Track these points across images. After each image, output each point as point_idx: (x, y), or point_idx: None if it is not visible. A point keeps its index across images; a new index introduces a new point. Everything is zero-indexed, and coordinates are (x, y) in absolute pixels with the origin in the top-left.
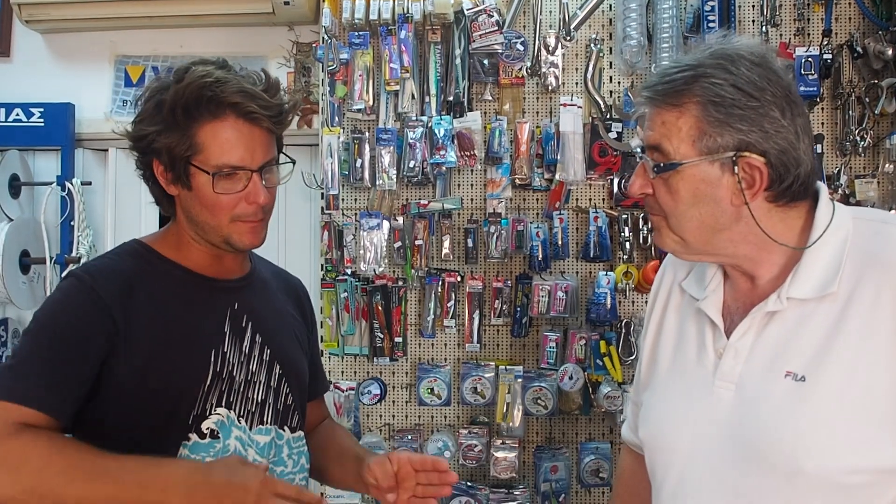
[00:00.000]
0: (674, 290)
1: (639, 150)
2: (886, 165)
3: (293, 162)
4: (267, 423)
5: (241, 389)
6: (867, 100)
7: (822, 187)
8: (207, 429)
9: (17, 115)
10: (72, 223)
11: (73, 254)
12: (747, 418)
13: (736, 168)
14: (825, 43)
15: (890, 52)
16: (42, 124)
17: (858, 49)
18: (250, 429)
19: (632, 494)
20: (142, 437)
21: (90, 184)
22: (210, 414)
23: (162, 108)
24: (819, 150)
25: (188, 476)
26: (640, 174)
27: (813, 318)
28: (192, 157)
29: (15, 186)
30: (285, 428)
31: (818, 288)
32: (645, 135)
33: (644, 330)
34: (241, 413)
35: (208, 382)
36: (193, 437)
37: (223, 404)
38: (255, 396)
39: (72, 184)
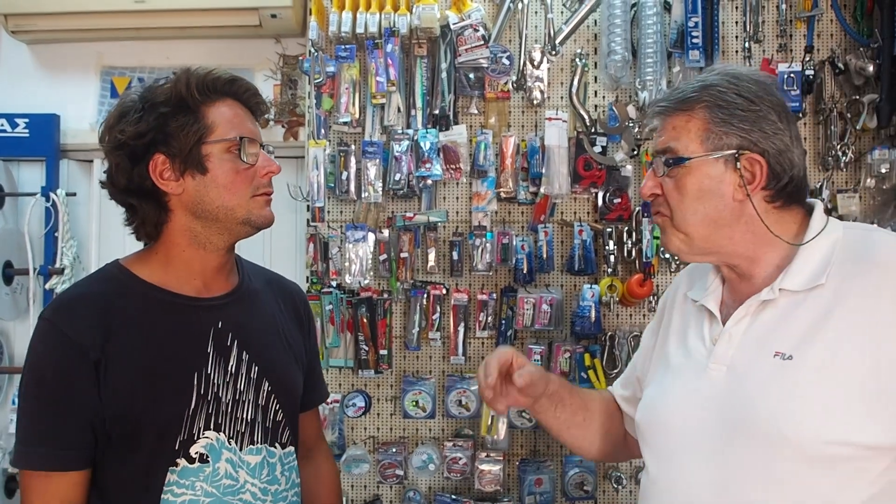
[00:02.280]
0: (678, 298)
1: (659, 157)
2: (868, 180)
3: (272, 151)
4: (257, 442)
5: (229, 410)
6: (849, 115)
7: (818, 202)
8: (196, 453)
9: (2, 125)
10: (56, 234)
11: (57, 265)
12: (736, 393)
13: (738, 164)
14: (807, 59)
15: (870, 68)
16: (27, 135)
17: (840, 65)
18: (240, 449)
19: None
20: (130, 464)
21: (75, 195)
22: (198, 438)
23: (161, 102)
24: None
25: None
26: (651, 177)
27: (802, 306)
28: (205, 137)
29: None
30: (276, 445)
31: (808, 281)
32: (656, 143)
33: (648, 327)
34: (231, 434)
35: (193, 406)
36: (182, 462)
37: (211, 427)
38: (244, 416)
39: (56, 195)
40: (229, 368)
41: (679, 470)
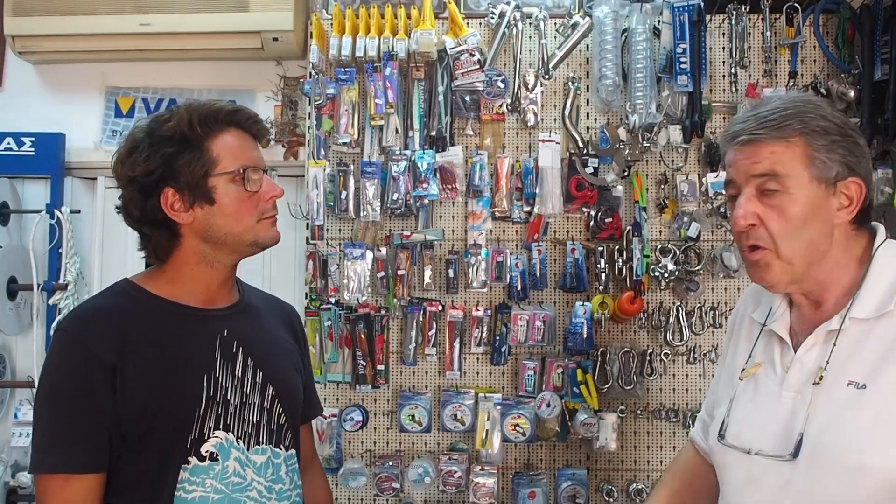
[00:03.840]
0: (744, 321)
1: (754, 182)
2: None
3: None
4: (262, 443)
5: (237, 412)
6: None
7: (880, 225)
8: (207, 451)
9: (9, 143)
10: (60, 250)
11: (61, 280)
12: (811, 423)
13: (837, 189)
14: (791, 84)
15: (851, 93)
16: (33, 153)
17: (822, 90)
18: (248, 449)
19: (684, 482)
20: (145, 462)
21: (79, 212)
22: (209, 437)
23: (166, 138)
24: None
25: None
26: (747, 206)
27: (873, 334)
28: (211, 170)
29: (4, 214)
30: (280, 446)
31: (876, 309)
32: (750, 167)
33: (723, 355)
34: (239, 434)
35: (203, 406)
36: (193, 460)
37: (221, 427)
38: (251, 418)
39: (60, 212)
40: (236, 373)
41: (752, 497)
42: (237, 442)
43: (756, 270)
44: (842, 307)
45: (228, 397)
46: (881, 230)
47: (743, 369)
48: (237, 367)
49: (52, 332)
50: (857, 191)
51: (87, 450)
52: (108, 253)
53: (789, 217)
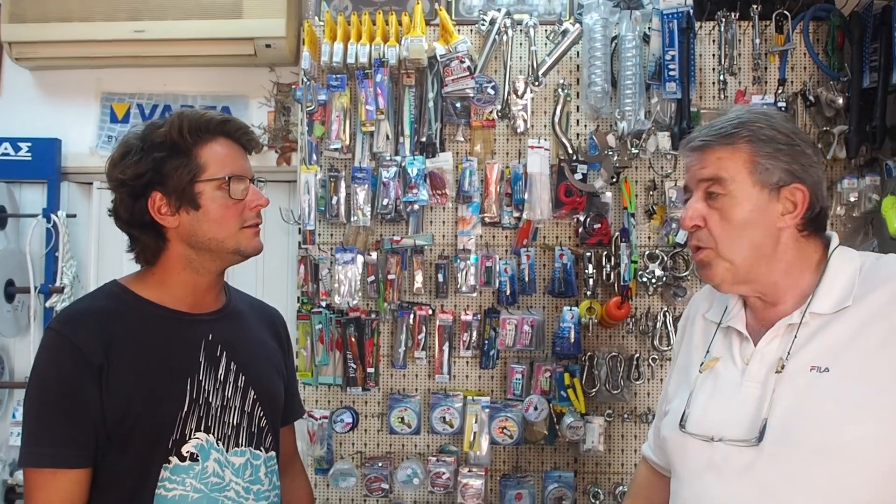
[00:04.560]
0: (696, 322)
1: (701, 186)
2: (838, 208)
3: (265, 182)
4: (242, 444)
5: (218, 414)
6: (820, 146)
7: (834, 234)
8: (188, 452)
9: (6, 148)
10: (56, 254)
11: (57, 283)
12: (774, 408)
13: (780, 195)
14: (780, 91)
15: (840, 100)
16: (29, 158)
17: (811, 98)
18: (227, 451)
19: (645, 499)
20: (128, 460)
21: (75, 216)
22: (190, 438)
23: (157, 144)
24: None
25: None
26: (692, 207)
27: (832, 325)
28: (197, 176)
29: (1, 218)
30: (260, 448)
31: (836, 304)
32: (698, 172)
33: (673, 358)
34: (219, 436)
35: (185, 408)
36: (174, 460)
37: (202, 429)
38: (231, 420)
39: (57, 216)
40: (219, 376)
41: (713, 486)
42: (217, 443)
43: (701, 269)
44: (800, 305)
45: (210, 400)
46: (835, 238)
47: (702, 363)
48: (220, 371)
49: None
50: (801, 197)
51: (75, 445)
52: (104, 256)
53: (731, 219)
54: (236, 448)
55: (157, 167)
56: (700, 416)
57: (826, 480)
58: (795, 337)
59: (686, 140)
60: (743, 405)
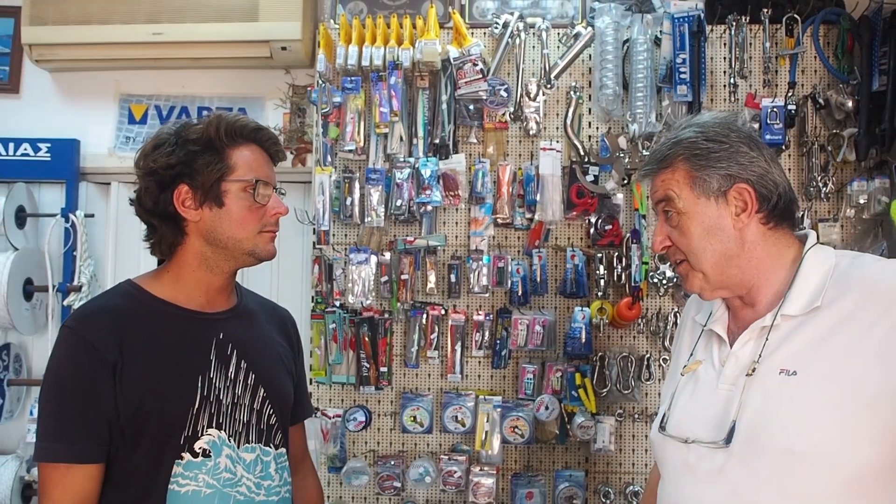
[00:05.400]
0: (687, 322)
1: (659, 208)
2: (848, 210)
3: (286, 193)
4: (252, 441)
5: (229, 411)
6: (830, 148)
7: (812, 232)
8: (200, 448)
9: (25, 149)
10: (74, 253)
11: (75, 282)
12: (744, 411)
13: (728, 198)
14: (790, 94)
15: (850, 103)
16: (48, 159)
17: (821, 101)
18: (238, 447)
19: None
20: (141, 456)
21: (93, 216)
22: (202, 435)
23: (192, 140)
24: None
25: None
26: (658, 231)
27: (803, 328)
28: (226, 175)
29: (21, 217)
30: (270, 445)
31: (806, 305)
32: (652, 196)
33: (671, 359)
34: (230, 433)
35: (197, 405)
36: (186, 455)
37: (213, 425)
38: (241, 417)
39: (75, 216)
40: (229, 374)
41: (688, 487)
42: (228, 440)
43: (683, 282)
44: (774, 306)
45: (221, 397)
46: (812, 236)
47: (685, 366)
48: (231, 369)
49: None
50: (747, 195)
51: (89, 441)
52: (121, 256)
53: (688, 234)
54: (247, 444)
55: (189, 160)
56: (679, 418)
57: (791, 484)
58: (767, 340)
59: (639, 169)
60: (714, 407)
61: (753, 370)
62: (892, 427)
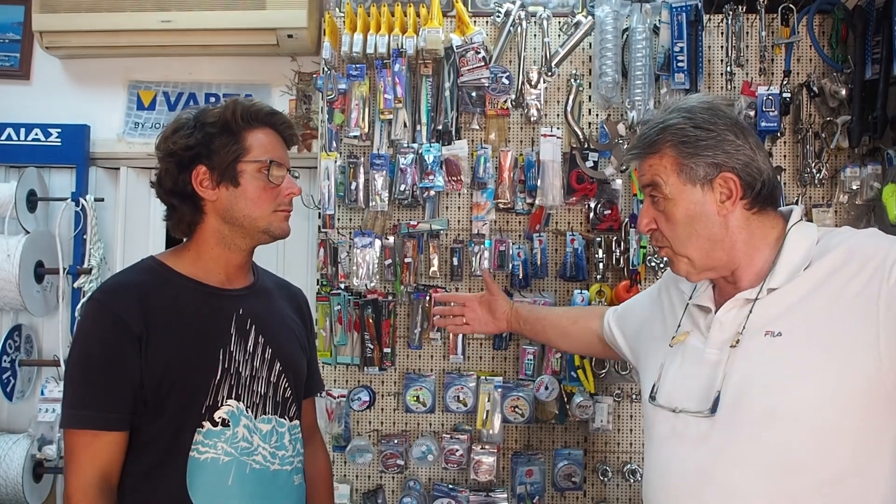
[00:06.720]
0: (671, 289)
1: (646, 191)
2: (841, 196)
3: (299, 175)
4: (268, 413)
5: (247, 383)
6: (824, 135)
7: (797, 208)
8: (220, 418)
9: (36, 134)
10: (84, 237)
11: (85, 265)
12: (731, 373)
13: (713, 185)
14: (785, 82)
15: (843, 92)
16: (59, 144)
17: (815, 89)
18: (255, 418)
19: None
20: (163, 424)
21: (102, 200)
22: (222, 405)
23: (210, 123)
24: (780, 181)
25: None
26: (644, 213)
27: (786, 293)
28: (242, 157)
29: (32, 201)
30: (285, 417)
31: (789, 276)
32: (640, 179)
33: (647, 293)
34: (248, 404)
35: (218, 377)
36: (207, 424)
37: (233, 396)
38: (259, 389)
39: (85, 200)
40: (248, 348)
41: (675, 449)
42: (246, 410)
43: (670, 265)
44: (757, 283)
45: (240, 370)
46: (795, 212)
47: (673, 337)
48: (249, 343)
49: (82, 305)
50: (732, 184)
51: (115, 408)
52: (130, 239)
53: (673, 219)
54: (263, 415)
55: (207, 142)
56: (669, 389)
57: (773, 444)
58: (751, 312)
59: (626, 150)
60: (701, 378)
61: (738, 342)
62: (868, 378)
